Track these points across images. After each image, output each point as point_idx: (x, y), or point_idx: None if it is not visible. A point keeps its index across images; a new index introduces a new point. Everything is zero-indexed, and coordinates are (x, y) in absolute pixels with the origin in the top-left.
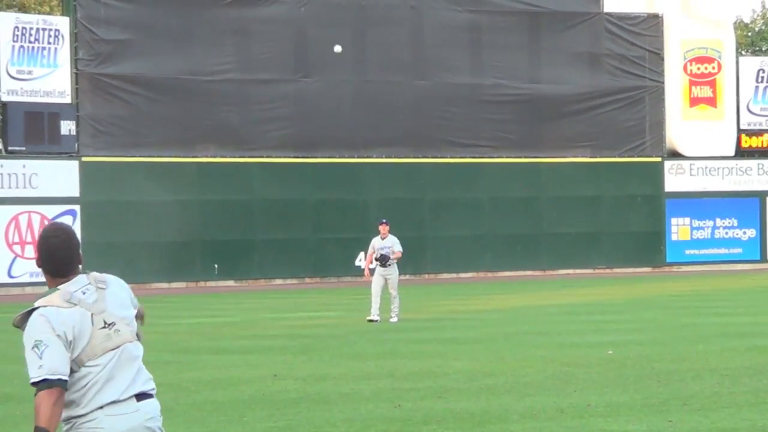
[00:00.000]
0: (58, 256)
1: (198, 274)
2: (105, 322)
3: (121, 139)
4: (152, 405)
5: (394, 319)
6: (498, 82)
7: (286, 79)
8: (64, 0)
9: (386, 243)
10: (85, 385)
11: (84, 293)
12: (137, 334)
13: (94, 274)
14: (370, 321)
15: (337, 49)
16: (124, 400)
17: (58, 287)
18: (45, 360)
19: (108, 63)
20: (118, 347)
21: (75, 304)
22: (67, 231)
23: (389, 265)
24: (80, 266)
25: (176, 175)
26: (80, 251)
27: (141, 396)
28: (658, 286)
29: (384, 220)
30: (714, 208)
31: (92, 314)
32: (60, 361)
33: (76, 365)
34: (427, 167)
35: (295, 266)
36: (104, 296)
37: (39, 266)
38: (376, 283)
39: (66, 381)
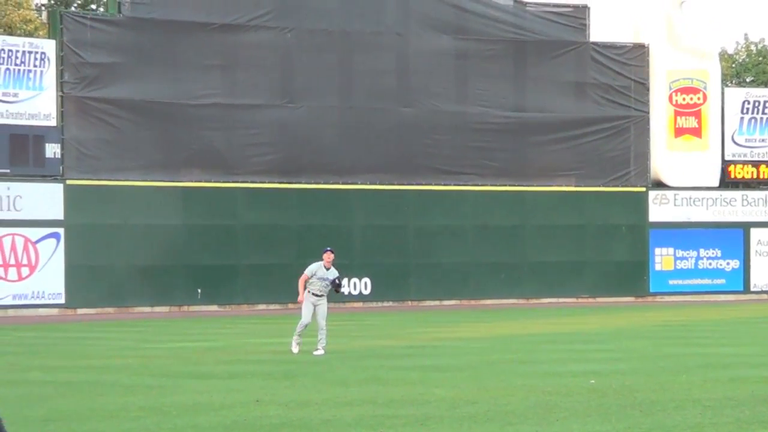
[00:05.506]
0: None
1: (181, 299)
2: None
3: (106, 162)
4: None
5: (320, 352)
6: (483, 109)
7: (272, 104)
8: (51, 23)
9: (329, 274)
10: None
11: None
12: None
13: None
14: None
15: None
16: None
17: None
18: None
19: (94, 86)
20: None
21: None
22: None
23: (342, 292)
24: None
25: (160, 199)
26: None
27: None
28: (641, 315)
29: (330, 249)
30: (698, 239)
31: None
32: None
33: None
34: (411, 194)
35: (278, 291)
36: None
37: None
38: (307, 310)
39: None
